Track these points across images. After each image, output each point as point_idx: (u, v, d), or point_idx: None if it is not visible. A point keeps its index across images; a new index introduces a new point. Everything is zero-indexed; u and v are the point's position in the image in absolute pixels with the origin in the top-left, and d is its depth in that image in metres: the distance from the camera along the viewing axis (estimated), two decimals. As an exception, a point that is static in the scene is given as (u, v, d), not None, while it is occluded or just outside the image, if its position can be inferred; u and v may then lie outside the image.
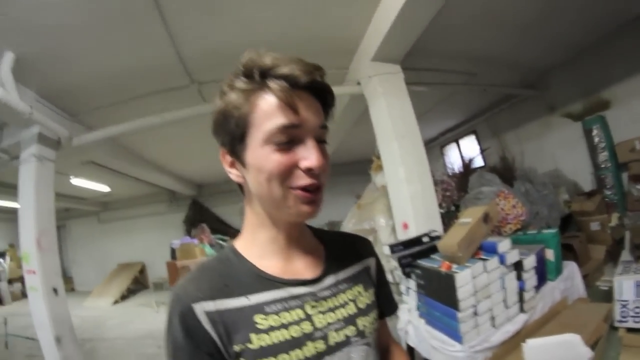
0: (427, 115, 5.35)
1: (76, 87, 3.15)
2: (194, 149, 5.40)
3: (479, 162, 6.46)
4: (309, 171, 0.54)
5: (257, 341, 0.54)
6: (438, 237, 2.50)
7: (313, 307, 0.59)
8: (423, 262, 2.13)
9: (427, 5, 2.48)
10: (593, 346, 1.96)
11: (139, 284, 8.02)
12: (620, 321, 2.32)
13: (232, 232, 7.97)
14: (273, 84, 0.53)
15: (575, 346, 1.87)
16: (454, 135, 7.66)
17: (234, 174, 0.62)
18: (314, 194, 0.56)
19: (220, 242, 7.27)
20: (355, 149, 6.16)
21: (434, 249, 2.28)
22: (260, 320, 0.55)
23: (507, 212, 2.62)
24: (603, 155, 4.48)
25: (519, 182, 3.64)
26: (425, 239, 2.47)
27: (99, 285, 7.42)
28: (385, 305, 0.77)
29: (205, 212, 8.35)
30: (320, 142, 0.57)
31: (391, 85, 3.10)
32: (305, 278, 0.61)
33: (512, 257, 2.04)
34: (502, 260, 2.01)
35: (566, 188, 4.68)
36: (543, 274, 2.24)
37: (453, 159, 7.72)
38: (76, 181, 5.61)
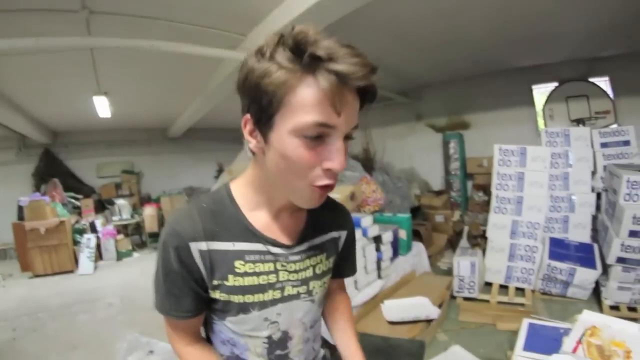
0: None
1: None
2: (57, 88, 4.60)
3: None
4: (329, 171, 0.56)
5: (233, 281, 0.65)
6: None
7: (282, 265, 0.69)
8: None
9: (344, 3, 2.61)
10: (438, 307, 2.43)
11: (-23, 252, 6.49)
12: (458, 292, 2.90)
13: (86, 190, 7.08)
14: (322, 77, 0.50)
15: (425, 306, 2.29)
16: None
17: (253, 143, 0.60)
18: (326, 190, 0.58)
19: (72, 200, 6.41)
20: (225, 117, 6.05)
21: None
22: (239, 265, 0.65)
23: (367, 195, 2.99)
24: (455, 164, 5.54)
25: (377, 173, 4.20)
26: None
27: None
28: (346, 268, 0.90)
29: (58, 165, 7.13)
30: (347, 138, 0.58)
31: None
32: (283, 242, 0.70)
33: (373, 231, 2.41)
34: (364, 233, 2.36)
35: (418, 184, 5.66)
36: (396, 248, 2.70)
37: None
38: None
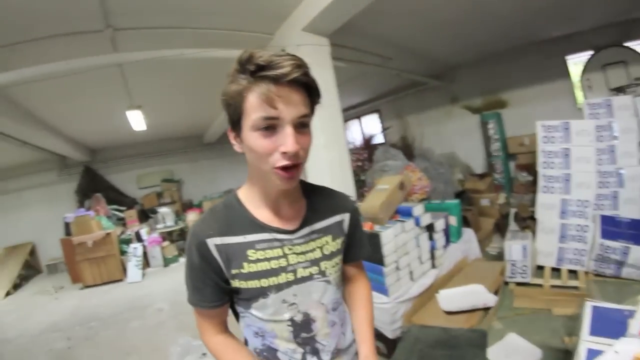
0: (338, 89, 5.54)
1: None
2: (91, 107, 4.76)
3: (379, 139, 7.01)
4: (285, 154, 0.67)
5: (248, 267, 0.76)
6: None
7: (289, 249, 0.79)
8: (346, 224, 2.26)
9: None
10: (494, 294, 2.34)
11: (30, 268, 6.80)
12: (511, 277, 2.82)
13: (128, 202, 7.38)
14: (261, 82, 0.65)
15: (482, 293, 2.21)
16: (357, 112, 8.12)
17: (236, 146, 0.75)
18: (290, 171, 0.69)
19: (116, 212, 6.68)
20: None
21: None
22: (251, 254, 0.77)
23: (414, 184, 2.91)
24: (495, 145, 5.30)
25: (418, 160, 4.07)
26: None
27: None
28: (358, 250, 0.96)
29: (100, 181, 7.47)
30: (302, 127, 0.69)
31: (318, 56, 3.15)
32: (286, 228, 0.80)
33: (426, 219, 2.31)
34: (417, 222, 2.26)
35: (460, 169, 5.46)
36: (448, 236, 2.58)
37: (354, 134, 8.16)
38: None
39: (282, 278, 0.77)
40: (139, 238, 5.93)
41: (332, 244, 0.85)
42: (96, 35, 2.92)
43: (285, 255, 0.78)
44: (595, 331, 1.45)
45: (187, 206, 7.62)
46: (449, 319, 2.19)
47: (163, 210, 6.81)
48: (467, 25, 3.96)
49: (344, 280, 0.97)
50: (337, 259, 0.87)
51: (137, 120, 5.10)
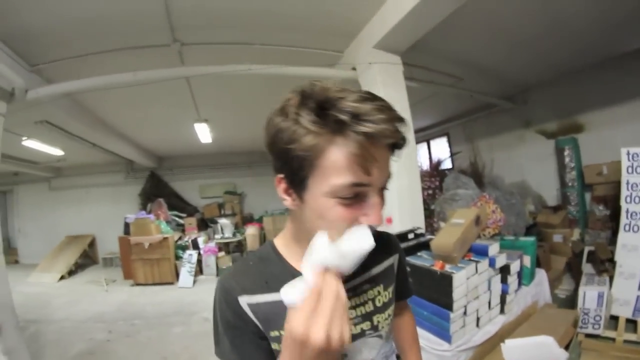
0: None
1: (40, 31, 2.70)
2: (159, 117, 5.03)
3: (447, 164, 6.68)
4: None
5: None
6: (422, 235, 2.48)
7: None
8: (412, 260, 2.09)
9: (444, 3, 2.42)
10: (565, 349, 2.05)
11: (87, 258, 7.38)
12: (581, 327, 2.53)
13: (189, 210, 7.65)
14: (351, 139, 0.50)
15: (551, 347, 1.94)
16: (425, 135, 7.79)
17: (288, 201, 0.61)
18: None
19: (176, 218, 6.97)
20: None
21: (419, 247, 2.26)
22: None
23: (488, 217, 2.66)
24: (571, 175, 4.76)
25: (488, 189, 3.76)
26: (410, 236, 2.44)
27: (45, 258, 6.70)
28: (404, 290, 0.88)
29: (164, 187, 7.87)
30: (383, 190, 0.58)
31: (390, 75, 3.02)
32: None
33: (501, 260, 2.06)
34: (491, 263, 2.02)
35: (532, 199, 4.96)
36: (520, 278, 2.30)
37: (421, 158, 7.88)
38: (28, 143, 5.00)
39: None
40: (195, 246, 6.11)
41: (383, 294, 0.75)
42: (164, 49, 3.07)
43: None
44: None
45: (247, 220, 7.79)
46: (514, 374, 1.94)
47: (223, 221, 7.00)
48: (542, 42, 3.67)
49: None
50: (390, 310, 0.77)
51: (204, 133, 5.34)
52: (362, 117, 0.49)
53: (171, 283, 5.54)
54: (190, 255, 5.72)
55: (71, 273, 6.47)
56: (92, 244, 7.61)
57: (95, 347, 3.30)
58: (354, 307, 0.70)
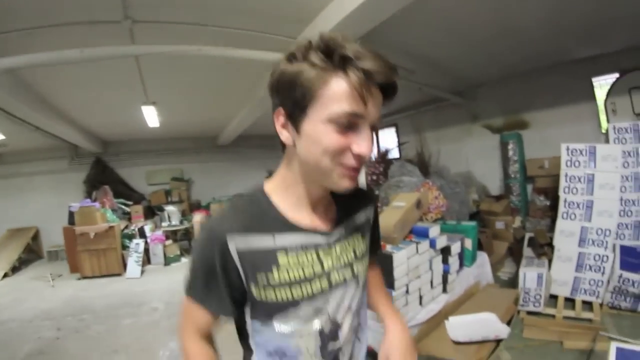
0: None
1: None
2: (106, 99, 4.74)
3: (395, 153, 6.88)
4: (357, 155, 0.60)
5: (277, 274, 0.66)
6: None
7: (325, 252, 0.71)
8: (356, 242, 2.14)
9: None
10: (507, 324, 2.20)
11: (32, 252, 6.82)
12: (522, 305, 2.71)
13: (136, 197, 7.34)
14: (351, 73, 0.56)
15: (493, 323, 2.06)
16: None
17: (284, 135, 0.65)
18: (356, 172, 0.63)
19: (122, 206, 6.67)
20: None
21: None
22: (282, 258, 0.66)
23: (430, 202, 2.79)
24: (514, 167, 5.11)
25: (433, 177, 3.95)
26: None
27: None
28: (374, 244, 0.91)
29: (109, 173, 7.49)
30: (373, 130, 0.63)
31: (340, 63, 3.06)
32: (322, 230, 0.72)
33: (441, 242, 2.17)
34: (432, 244, 2.12)
35: (476, 189, 5.27)
36: (462, 259, 2.43)
37: None
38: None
39: (317, 285, 0.69)
40: (142, 234, 5.88)
41: (362, 243, 0.80)
42: (114, 25, 2.88)
43: (320, 260, 0.70)
44: (621, 377, 1.32)
45: (195, 207, 7.58)
46: (457, 349, 2.04)
47: (170, 208, 6.78)
48: (495, 44, 3.86)
49: None
50: (366, 260, 0.82)
51: (151, 116, 5.09)
52: (364, 57, 0.56)
53: (119, 274, 5.31)
54: (137, 244, 5.51)
55: (15, 270, 5.99)
56: (35, 237, 7.03)
57: (44, 346, 3.16)
58: (338, 256, 0.73)
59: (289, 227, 0.69)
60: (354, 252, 0.77)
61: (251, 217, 0.68)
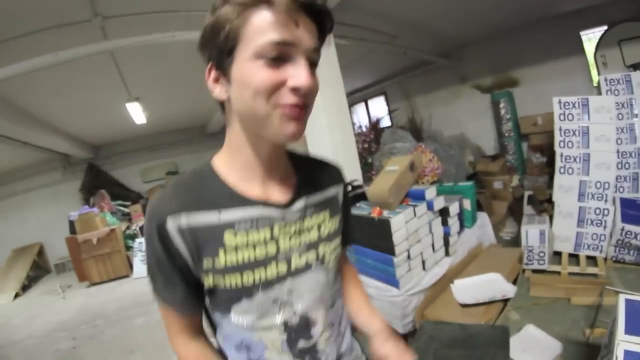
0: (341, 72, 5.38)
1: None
2: (89, 102, 4.67)
3: (386, 122, 6.87)
4: (296, 90, 0.52)
5: (224, 257, 0.57)
6: (360, 187, 2.52)
7: (281, 229, 0.61)
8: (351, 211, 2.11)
9: None
10: (513, 284, 2.19)
11: (39, 268, 6.81)
12: (527, 264, 2.70)
13: (133, 197, 7.35)
14: (274, 2, 0.50)
15: (499, 283, 2.06)
16: (362, 95, 7.91)
17: (217, 89, 0.58)
18: (299, 112, 0.54)
19: (121, 208, 6.69)
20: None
21: (357, 198, 2.30)
22: (229, 237, 0.58)
23: (424, 165, 2.76)
24: (507, 126, 5.09)
25: (427, 142, 3.91)
26: (348, 188, 2.46)
27: None
28: (347, 234, 0.80)
29: (104, 177, 7.49)
30: (312, 64, 0.55)
31: (317, 33, 3.00)
32: (276, 201, 0.62)
33: (439, 203, 2.14)
34: (429, 207, 2.10)
35: (471, 150, 5.27)
36: (462, 221, 2.41)
37: (360, 117, 8.00)
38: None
39: (272, 270, 0.60)
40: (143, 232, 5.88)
41: (331, 222, 0.69)
42: (85, 25, 2.85)
43: (275, 239, 0.60)
44: (631, 328, 1.30)
45: None
46: (464, 312, 2.02)
47: None
48: (476, 1, 3.75)
49: None
50: (337, 242, 0.71)
51: (136, 113, 5.02)
52: None
53: (126, 276, 5.36)
54: (141, 243, 5.51)
55: (25, 288, 6.00)
56: (40, 253, 7.03)
57: (62, 357, 3.21)
58: (298, 234, 0.63)
59: (235, 199, 0.60)
60: (319, 230, 0.67)
61: (192, 193, 0.60)
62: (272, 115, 0.53)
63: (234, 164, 0.62)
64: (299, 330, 0.64)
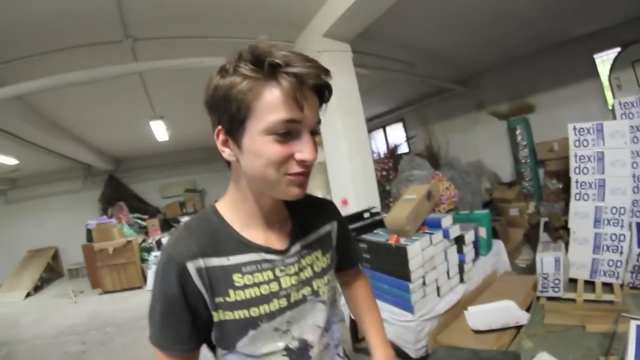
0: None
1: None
2: (115, 117, 4.86)
3: (404, 148, 6.86)
4: (302, 162, 0.60)
5: (234, 295, 0.65)
6: (378, 214, 2.56)
7: (281, 270, 0.69)
8: (369, 237, 2.15)
9: None
10: (526, 311, 2.18)
11: (53, 271, 6.99)
12: (542, 291, 2.67)
13: (151, 211, 7.48)
14: (283, 80, 0.56)
15: (513, 310, 2.05)
16: (381, 121, 7.98)
17: (226, 152, 0.65)
18: (303, 178, 0.62)
19: (139, 221, 6.80)
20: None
21: (375, 225, 2.34)
22: (237, 279, 0.65)
23: (441, 193, 2.78)
24: (524, 152, 5.06)
25: (444, 169, 3.93)
26: (366, 215, 2.51)
27: (8, 276, 6.26)
28: (352, 257, 0.93)
29: (123, 190, 7.66)
30: (314, 134, 0.62)
31: (340, 63, 3.08)
32: (276, 248, 0.71)
33: (455, 231, 2.17)
34: (445, 235, 2.12)
35: (487, 177, 5.25)
36: (477, 249, 2.42)
37: (379, 144, 8.01)
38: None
39: (275, 305, 0.67)
40: (159, 246, 5.97)
41: (322, 260, 0.78)
42: (117, 45, 2.97)
43: (276, 279, 0.69)
44: (641, 353, 1.31)
45: None
46: (478, 338, 2.03)
47: (185, 220, 6.86)
48: (491, 29, 3.84)
49: (344, 285, 0.97)
50: (329, 276, 0.79)
51: (160, 131, 5.18)
52: (292, 62, 0.56)
53: (139, 287, 5.41)
54: (156, 256, 5.57)
55: (37, 289, 6.15)
56: (55, 256, 7.22)
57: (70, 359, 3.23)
58: (296, 274, 0.71)
59: (242, 245, 0.68)
60: (312, 269, 0.75)
61: (205, 237, 0.67)
62: (282, 181, 0.61)
63: (238, 213, 0.70)
64: (299, 352, 0.71)
